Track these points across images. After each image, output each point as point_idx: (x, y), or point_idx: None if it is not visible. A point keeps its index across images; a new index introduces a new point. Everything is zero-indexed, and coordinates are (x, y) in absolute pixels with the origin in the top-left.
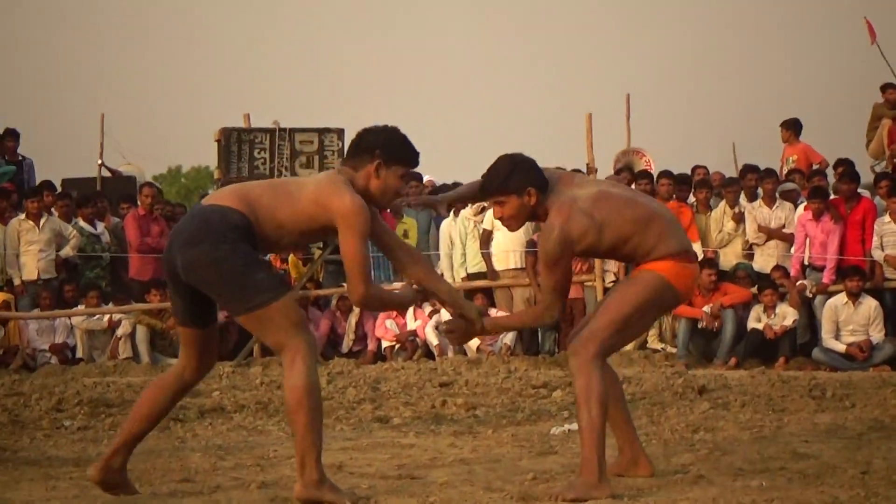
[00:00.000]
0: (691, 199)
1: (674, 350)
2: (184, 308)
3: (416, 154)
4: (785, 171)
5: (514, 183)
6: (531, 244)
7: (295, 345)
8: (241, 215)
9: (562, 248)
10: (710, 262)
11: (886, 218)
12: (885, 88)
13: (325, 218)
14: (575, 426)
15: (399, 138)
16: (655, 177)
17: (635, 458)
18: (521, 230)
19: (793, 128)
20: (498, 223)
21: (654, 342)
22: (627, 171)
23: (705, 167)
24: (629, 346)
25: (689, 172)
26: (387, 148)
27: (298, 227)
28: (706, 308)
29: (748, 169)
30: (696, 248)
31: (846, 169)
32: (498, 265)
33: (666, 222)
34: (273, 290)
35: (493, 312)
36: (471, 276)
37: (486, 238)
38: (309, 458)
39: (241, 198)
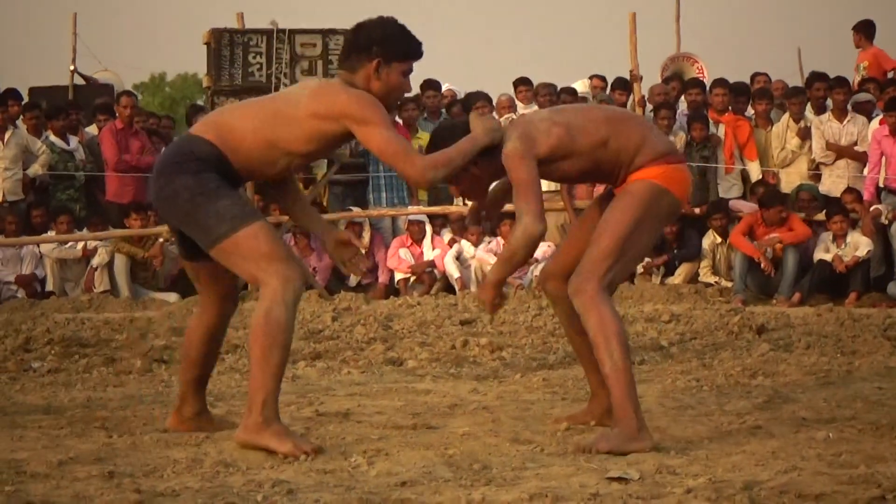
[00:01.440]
0: (749, 111)
1: (729, 284)
2: (180, 239)
3: (419, 45)
4: (857, 81)
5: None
6: None
7: (267, 278)
8: (210, 145)
9: (521, 143)
10: (780, 195)
11: None
12: None
13: (332, 129)
14: None
15: (398, 31)
16: (708, 86)
17: (611, 408)
18: None
19: (864, 31)
20: None
21: (706, 275)
22: (676, 80)
23: (766, 74)
24: (678, 279)
25: (747, 81)
26: (385, 44)
27: (301, 148)
28: (764, 248)
29: (815, 77)
30: (753, 168)
31: None
32: None
33: (642, 123)
34: (238, 217)
35: None
36: None
37: None
38: (257, 397)
39: (214, 126)
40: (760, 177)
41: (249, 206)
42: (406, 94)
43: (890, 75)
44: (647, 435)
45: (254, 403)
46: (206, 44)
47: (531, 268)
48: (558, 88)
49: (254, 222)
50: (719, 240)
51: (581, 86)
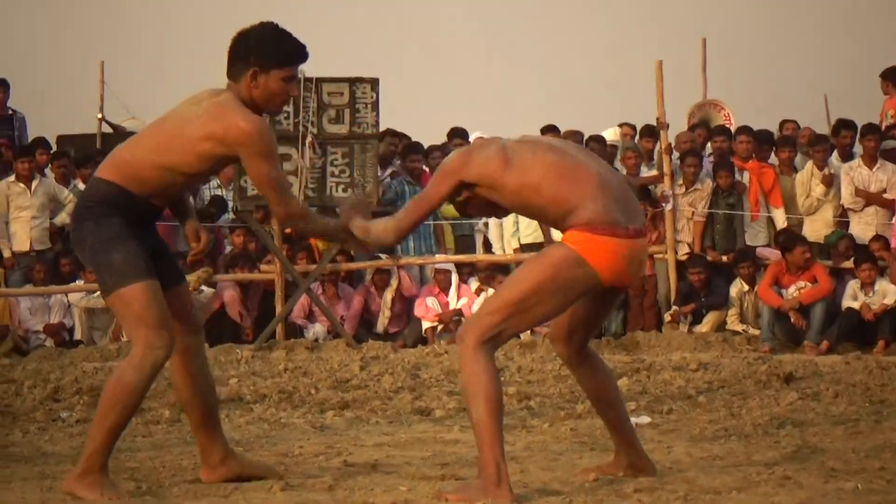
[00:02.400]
0: (773, 158)
1: (757, 332)
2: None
3: (298, 49)
4: (884, 127)
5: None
6: None
7: (134, 342)
8: (110, 184)
9: (459, 158)
10: (802, 239)
11: None
12: None
13: (223, 153)
14: (643, 419)
15: (273, 36)
16: (734, 132)
17: (634, 463)
18: None
19: (892, 78)
20: None
21: (734, 323)
22: (703, 127)
23: (795, 122)
24: (705, 328)
25: (772, 128)
26: (258, 50)
27: (195, 169)
28: (788, 304)
29: (842, 124)
30: (779, 215)
31: None
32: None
33: (592, 183)
34: (123, 275)
35: None
36: (524, 248)
37: None
38: (87, 448)
39: (113, 164)
40: (785, 224)
41: (140, 261)
42: (432, 143)
43: None
44: (507, 490)
45: (84, 452)
46: None
47: None
48: (585, 137)
49: (136, 282)
50: (746, 288)
51: (611, 134)
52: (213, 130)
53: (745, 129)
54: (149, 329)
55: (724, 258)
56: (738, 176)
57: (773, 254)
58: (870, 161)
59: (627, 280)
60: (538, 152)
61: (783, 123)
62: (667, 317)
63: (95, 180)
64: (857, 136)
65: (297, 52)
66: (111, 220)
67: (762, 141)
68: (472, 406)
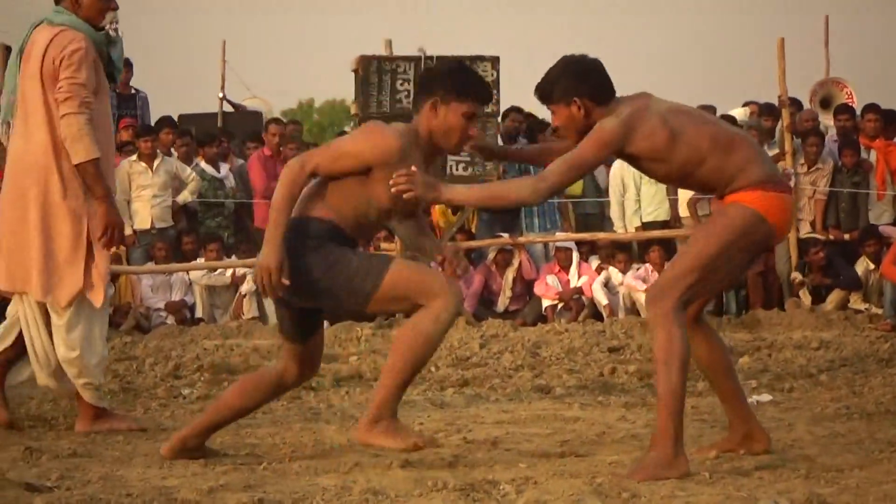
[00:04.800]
0: None
1: (880, 311)
2: (289, 321)
3: (481, 87)
4: None
5: (560, 90)
6: None
7: (431, 299)
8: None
9: (621, 129)
10: None
11: None
12: None
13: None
14: (764, 397)
15: (457, 69)
16: (859, 111)
17: (749, 433)
18: None
19: None
20: None
21: (856, 301)
22: (823, 106)
23: None
24: (829, 306)
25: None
26: (441, 81)
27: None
28: None
29: None
30: None
31: None
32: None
33: (750, 146)
34: (376, 267)
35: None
36: (646, 226)
37: None
38: (378, 395)
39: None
40: None
41: (375, 254)
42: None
43: None
44: (684, 459)
45: (372, 403)
46: (354, 70)
47: None
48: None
49: (391, 263)
50: (872, 266)
51: (741, 113)
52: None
53: (872, 107)
54: (440, 282)
55: (847, 236)
56: (864, 154)
57: None
58: None
59: (785, 235)
60: (698, 125)
61: None
62: (794, 276)
63: (307, 219)
64: None
65: (481, 90)
66: (327, 247)
67: (890, 119)
68: (666, 371)
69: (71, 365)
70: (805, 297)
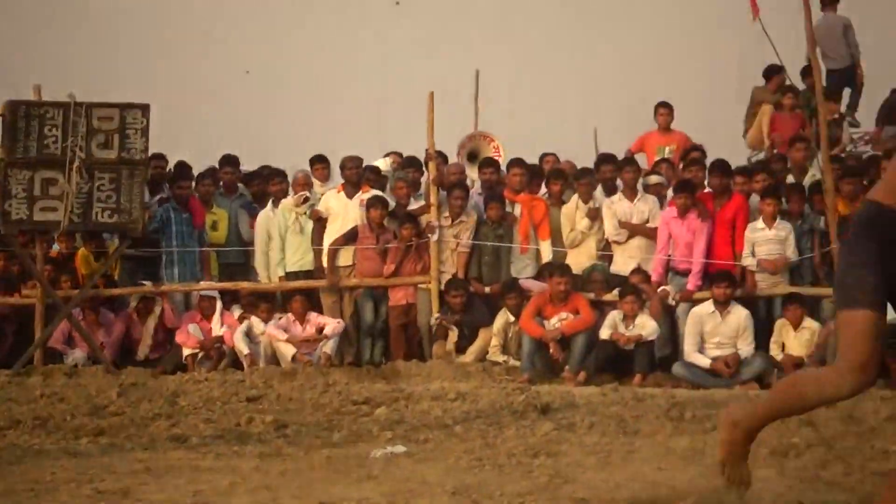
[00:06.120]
0: (544, 191)
1: (517, 363)
2: None
3: None
4: (652, 163)
5: None
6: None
7: (839, 361)
8: (873, 205)
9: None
10: (563, 267)
11: (759, 223)
12: (769, 73)
13: None
14: (399, 448)
15: None
16: (505, 166)
17: None
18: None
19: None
20: (334, 210)
21: (495, 354)
22: (470, 160)
23: (555, 154)
24: (468, 358)
25: (535, 161)
26: None
27: None
28: (550, 334)
29: (604, 159)
30: (546, 247)
31: (716, 160)
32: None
33: None
34: (849, 298)
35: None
36: (290, 276)
37: (318, 229)
38: (749, 410)
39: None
40: (551, 257)
41: (871, 291)
42: (203, 168)
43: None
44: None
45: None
46: (0, 115)
47: (320, 344)
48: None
49: (857, 309)
50: (512, 319)
51: (384, 164)
52: None
53: (518, 162)
54: (855, 356)
55: (488, 289)
56: (508, 208)
57: (536, 285)
58: (630, 193)
59: None
60: None
61: (543, 157)
62: (433, 321)
63: (866, 202)
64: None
65: None
66: (865, 244)
67: (535, 173)
68: None
69: None
70: (452, 335)
